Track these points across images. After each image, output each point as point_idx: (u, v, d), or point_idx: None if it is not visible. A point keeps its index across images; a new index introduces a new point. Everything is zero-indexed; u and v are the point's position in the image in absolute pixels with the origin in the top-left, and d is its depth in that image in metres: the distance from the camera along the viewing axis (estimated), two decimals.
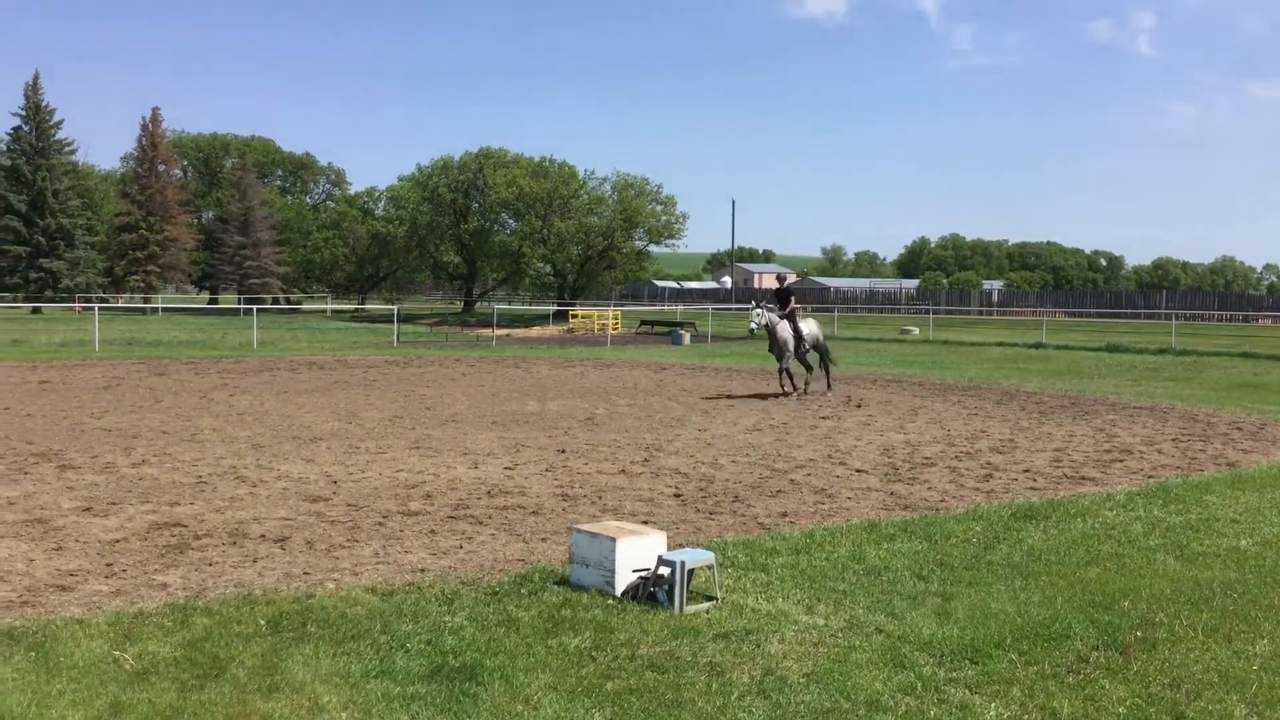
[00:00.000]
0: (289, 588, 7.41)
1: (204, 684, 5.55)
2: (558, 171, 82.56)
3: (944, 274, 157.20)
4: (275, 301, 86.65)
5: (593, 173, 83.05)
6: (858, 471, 12.78)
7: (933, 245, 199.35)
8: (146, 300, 78.68)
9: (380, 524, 9.58)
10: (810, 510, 10.50)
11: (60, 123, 78.63)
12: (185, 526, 9.32)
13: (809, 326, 22.03)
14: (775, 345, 21.51)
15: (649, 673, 5.83)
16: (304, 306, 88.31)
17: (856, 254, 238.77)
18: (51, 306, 69.41)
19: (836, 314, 60.50)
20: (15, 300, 71.13)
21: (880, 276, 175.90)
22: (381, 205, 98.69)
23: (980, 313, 78.04)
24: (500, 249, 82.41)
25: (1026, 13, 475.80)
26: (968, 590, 7.58)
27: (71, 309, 67.52)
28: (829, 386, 22.08)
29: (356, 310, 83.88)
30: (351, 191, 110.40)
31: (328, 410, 18.29)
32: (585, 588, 7.33)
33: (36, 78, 78.48)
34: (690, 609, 6.96)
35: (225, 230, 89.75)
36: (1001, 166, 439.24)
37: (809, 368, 22.12)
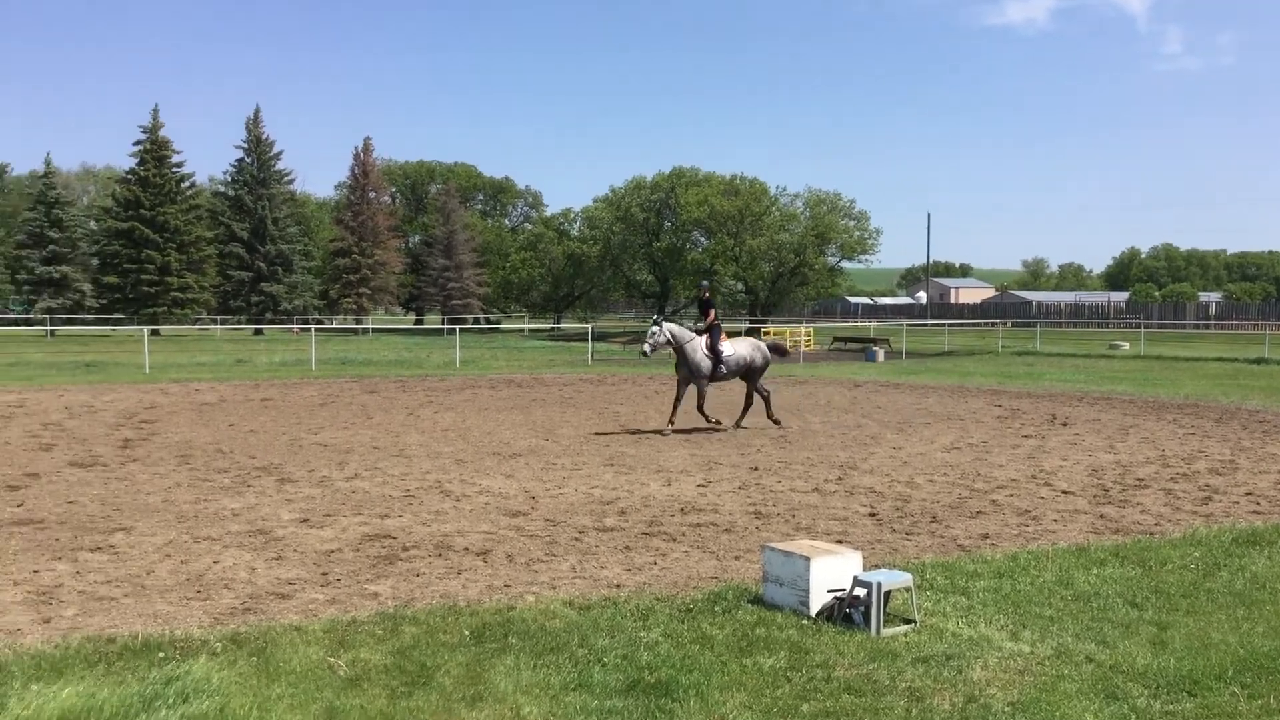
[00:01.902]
0: (491, 599, 7.64)
1: (412, 691, 5.78)
2: (749, 189, 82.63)
3: (1155, 286, 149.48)
4: (476, 321, 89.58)
5: (784, 189, 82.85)
6: (1064, 493, 12.28)
7: (1143, 256, 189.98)
8: (358, 321, 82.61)
9: (577, 539, 9.77)
10: (1013, 532, 10.15)
11: (279, 154, 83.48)
12: (394, 538, 9.73)
13: (738, 347, 18.62)
14: (685, 366, 18.17)
15: (846, 695, 5.74)
16: (503, 326, 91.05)
17: (1060, 266, 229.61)
18: (272, 328, 73.65)
19: (1039, 329, 58.33)
20: (239, 322, 75.89)
21: (1086, 289, 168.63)
22: (576, 226, 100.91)
23: (1196, 326, 73.78)
24: (692, 267, 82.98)
25: (1240, 12, 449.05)
26: (1185, 619, 7.17)
27: (290, 330, 71.49)
28: (739, 422, 18.56)
29: (552, 329, 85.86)
30: (548, 213, 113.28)
31: (526, 427, 18.77)
32: (779, 607, 7.29)
33: (257, 112, 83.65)
34: (887, 631, 6.82)
35: (430, 253, 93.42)
36: (1216, 173, 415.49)
37: (762, 397, 18.83)
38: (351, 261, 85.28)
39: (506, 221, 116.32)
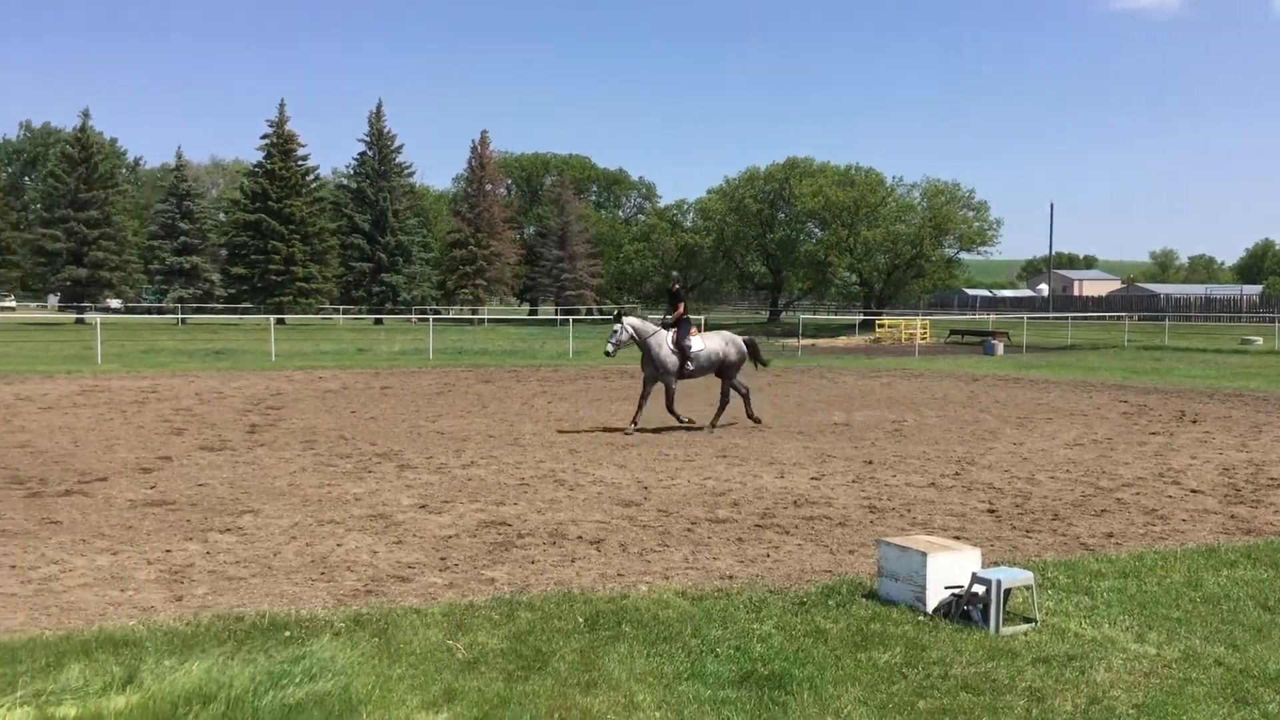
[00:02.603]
0: (604, 588, 7.70)
1: (528, 676, 5.86)
2: (864, 179, 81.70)
3: None
4: (589, 312, 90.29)
5: (901, 180, 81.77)
6: (1193, 492, 11.86)
7: (1278, 248, 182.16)
8: (474, 312, 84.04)
9: (689, 530, 9.79)
10: (1139, 532, 9.84)
11: (400, 147, 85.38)
12: (510, 525, 9.88)
13: (709, 342, 17.58)
14: (650, 364, 17.19)
15: (963, 694, 5.65)
16: None
17: (1190, 258, 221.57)
18: (391, 318, 75.35)
19: (1167, 323, 56.40)
20: (360, 312, 77.79)
21: (1217, 282, 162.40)
22: (690, 217, 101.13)
23: None
24: (806, 258, 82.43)
25: None
26: None
27: (409, 320, 73.04)
28: (713, 422, 17.35)
29: (665, 320, 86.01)
30: (661, 205, 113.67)
31: None
32: (894, 602, 7.19)
33: (379, 106, 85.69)
34: (1007, 630, 6.68)
35: (544, 245, 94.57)
36: None
37: (740, 394, 17.75)
38: (468, 253, 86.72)
39: (620, 213, 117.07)
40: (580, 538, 9.41)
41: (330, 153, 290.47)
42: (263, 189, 77.19)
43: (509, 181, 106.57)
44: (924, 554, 7.08)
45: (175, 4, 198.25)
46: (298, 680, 5.62)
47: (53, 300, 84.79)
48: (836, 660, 6.12)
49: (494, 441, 15.58)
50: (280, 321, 58.05)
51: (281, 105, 79.34)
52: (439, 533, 9.55)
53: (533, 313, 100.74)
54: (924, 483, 12.38)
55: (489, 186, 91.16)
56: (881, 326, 59.55)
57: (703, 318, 52.24)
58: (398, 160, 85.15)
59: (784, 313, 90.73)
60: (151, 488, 11.60)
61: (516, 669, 5.96)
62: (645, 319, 17.35)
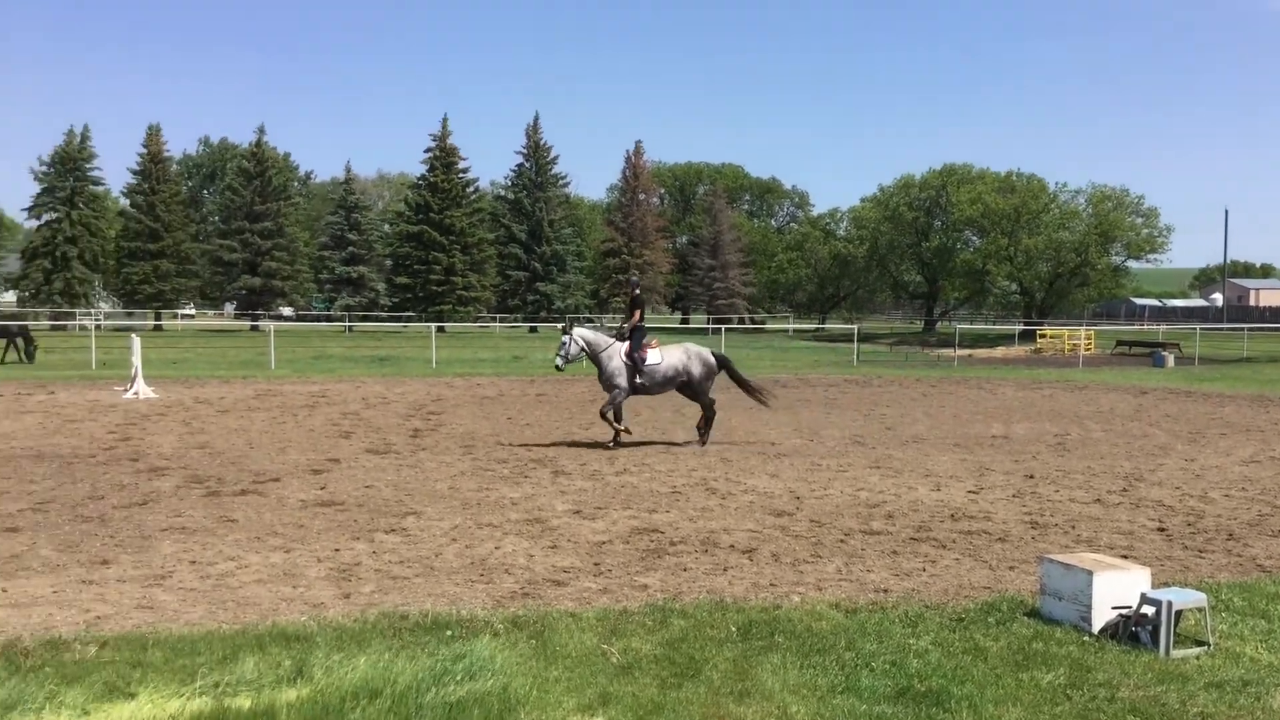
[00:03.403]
0: (757, 598, 7.70)
1: (681, 683, 5.91)
2: (1025, 186, 79.40)
3: None
4: (741, 321, 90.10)
5: (1064, 185, 78.97)
6: None
7: None
8: (626, 321, 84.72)
9: (842, 541, 9.69)
10: None
11: (556, 158, 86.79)
12: (662, 533, 9.95)
13: (668, 356, 16.28)
14: (603, 376, 16.24)
15: (1131, 717, 5.46)
16: (767, 326, 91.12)
17: None
18: (546, 326, 76.66)
19: None
20: (515, 320, 79.39)
21: None
22: (843, 226, 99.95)
23: None
24: (963, 267, 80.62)
25: None
26: None
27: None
28: (703, 439, 16.15)
29: (817, 329, 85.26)
30: (814, 213, 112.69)
31: (790, 427, 18.74)
32: (1058, 622, 6.99)
33: (536, 119, 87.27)
34: (1177, 653, 6.43)
35: (696, 254, 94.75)
36: None
37: (703, 408, 16.43)
38: (621, 261, 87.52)
39: (772, 221, 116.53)
40: (732, 546, 9.42)
41: (489, 165, 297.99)
42: (425, 201, 79.56)
43: (662, 191, 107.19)
44: (1090, 572, 6.86)
45: (344, 26, 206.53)
46: (459, 678, 5.79)
47: (229, 308, 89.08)
48: (997, 679, 5.99)
49: (646, 449, 15.71)
50: (441, 329, 59.66)
51: (444, 120, 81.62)
52: (593, 538, 9.69)
53: (684, 321, 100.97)
54: (1089, 499, 11.97)
55: (642, 196, 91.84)
56: (1043, 337, 57.73)
57: (854, 327, 51.45)
58: (553, 171, 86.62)
59: (939, 322, 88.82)
60: (321, 488, 12.10)
61: (670, 675, 6.01)
62: (598, 330, 16.29)
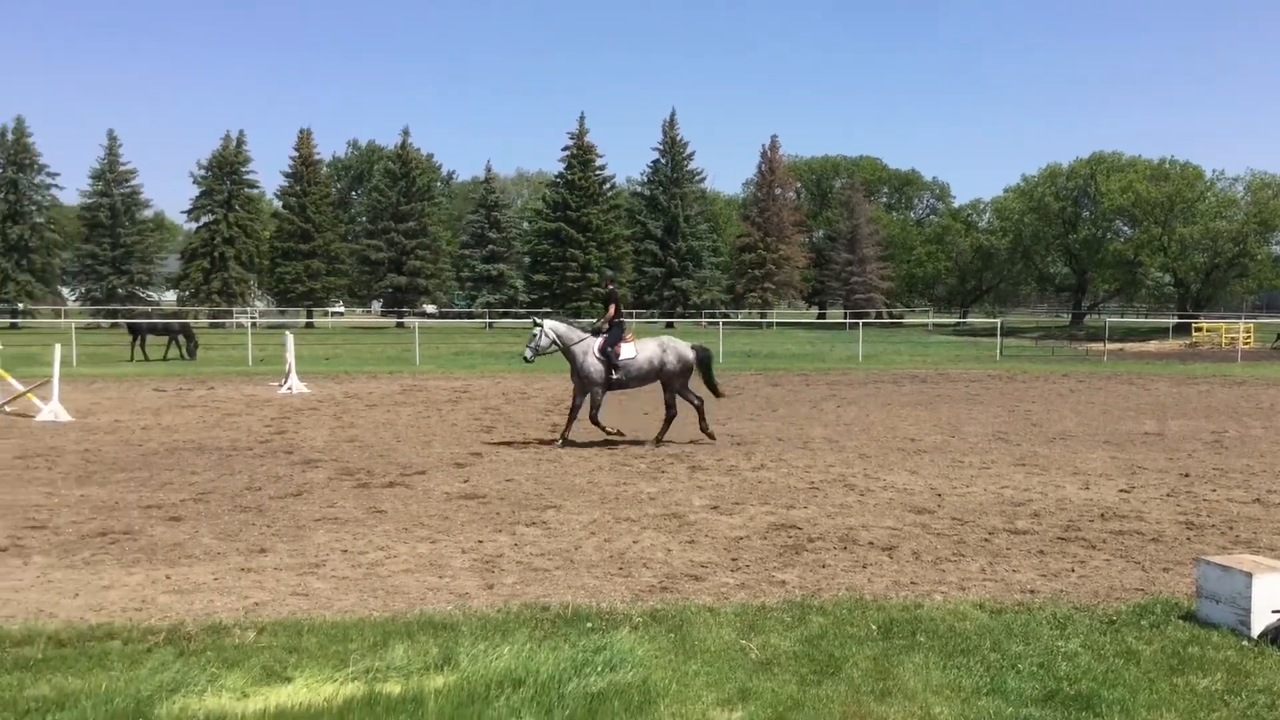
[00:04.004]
0: (898, 596, 7.60)
1: (821, 680, 5.87)
2: (1180, 173, 76.27)
3: None
4: (879, 316, 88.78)
5: (1221, 173, 75.69)
6: None
7: None
8: (763, 315, 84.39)
9: (986, 540, 9.49)
10: None
11: (692, 154, 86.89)
12: (800, 529, 9.90)
13: (642, 350, 15.90)
14: (576, 373, 15.80)
15: None
16: (906, 320, 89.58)
17: None
18: (682, 321, 76.87)
19: None
20: (651, 315, 79.80)
21: None
22: (985, 218, 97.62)
23: None
24: (1113, 258, 77.88)
25: None
26: None
27: (698, 324, 74.29)
28: (659, 437, 15.81)
29: (958, 324, 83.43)
30: (955, 205, 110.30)
31: (930, 423, 18.41)
32: (1215, 625, 6.72)
33: (673, 115, 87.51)
34: None
35: (834, 248, 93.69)
36: None
37: (693, 406, 16.22)
38: (757, 257, 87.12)
39: (912, 214, 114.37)
40: (871, 544, 9.31)
41: (625, 162, 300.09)
42: (563, 199, 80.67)
43: (798, 185, 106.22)
44: (1249, 574, 6.58)
45: (484, 29, 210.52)
46: (599, 670, 5.87)
47: (375, 306, 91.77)
48: (1150, 683, 5.79)
49: (783, 445, 15.63)
50: None
51: (581, 119, 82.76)
52: (730, 534, 9.69)
53: (821, 316, 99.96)
54: (1248, 498, 11.46)
55: (778, 191, 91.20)
56: (1199, 330, 55.40)
57: (998, 321, 50.15)
58: (689, 167, 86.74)
59: (1088, 315, 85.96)
60: (465, 481, 12.39)
61: (809, 672, 5.98)
62: (571, 324, 16.16)
